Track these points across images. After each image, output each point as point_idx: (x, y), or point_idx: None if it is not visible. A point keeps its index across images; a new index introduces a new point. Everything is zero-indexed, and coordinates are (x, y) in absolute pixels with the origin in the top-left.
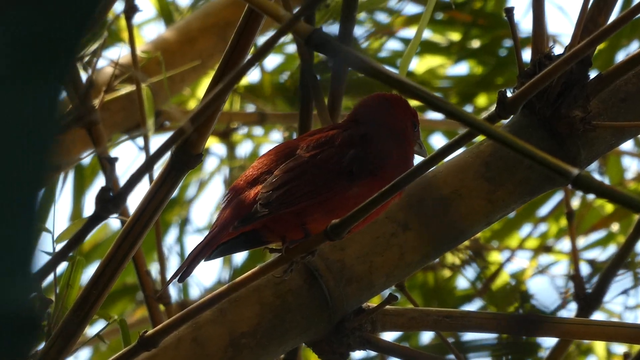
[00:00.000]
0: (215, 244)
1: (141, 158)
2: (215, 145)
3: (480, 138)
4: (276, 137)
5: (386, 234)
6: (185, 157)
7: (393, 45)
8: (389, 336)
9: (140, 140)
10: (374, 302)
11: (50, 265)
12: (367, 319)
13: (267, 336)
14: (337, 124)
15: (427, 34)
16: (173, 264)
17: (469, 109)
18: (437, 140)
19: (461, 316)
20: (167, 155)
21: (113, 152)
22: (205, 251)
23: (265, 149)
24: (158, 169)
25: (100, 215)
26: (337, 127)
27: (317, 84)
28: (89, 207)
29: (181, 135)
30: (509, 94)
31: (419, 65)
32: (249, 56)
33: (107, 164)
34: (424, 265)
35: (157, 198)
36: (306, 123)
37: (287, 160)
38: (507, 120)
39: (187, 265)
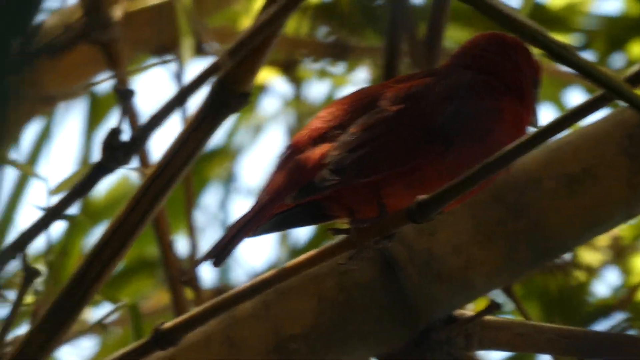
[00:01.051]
0: (264, 218)
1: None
2: (277, 82)
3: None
4: (361, 76)
5: (492, 221)
6: (227, 95)
7: None
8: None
9: (173, 67)
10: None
11: (39, 225)
12: (460, 330)
13: (324, 341)
14: (435, 69)
15: None
16: (211, 235)
17: (619, 59)
18: (575, 99)
19: (585, 337)
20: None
21: (136, 79)
22: (250, 226)
23: (344, 91)
24: (193, 108)
25: (105, 165)
26: (434, 74)
27: (409, 11)
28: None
29: (215, 70)
30: None
31: None
32: None
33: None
34: (540, 264)
35: (188, 146)
36: (392, 62)
37: (367, 114)
38: None
39: (226, 244)
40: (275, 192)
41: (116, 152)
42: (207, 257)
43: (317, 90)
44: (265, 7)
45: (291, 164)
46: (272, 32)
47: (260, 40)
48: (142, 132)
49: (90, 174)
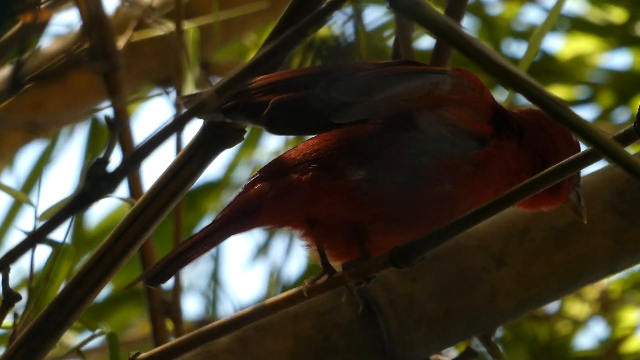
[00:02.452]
0: (217, 241)
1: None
2: None
3: None
4: None
5: (475, 268)
6: (222, 130)
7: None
8: None
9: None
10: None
11: (19, 249)
12: None
13: None
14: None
15: (583, 8)
16: (200, 268)
17: (624, 113)
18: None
19: None
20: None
21: (139, 110)
22: (199, 247)
23: None
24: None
25: (89, 194)
26: None
27: (412, 56)
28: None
29: (202, 108)
30: None
31: (566, 48)
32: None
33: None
34: (520, 314)
35: (178, 179)
36: None
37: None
38: None
39: (165, 264)
40: (229, 217)
41: (100, 182)
42: (144, 275)
43: None
44: (263, 46)
45: (252, 190)
46: (269, 69)
47: (251, 78)
48: (128, 164)
49: (73, 202)
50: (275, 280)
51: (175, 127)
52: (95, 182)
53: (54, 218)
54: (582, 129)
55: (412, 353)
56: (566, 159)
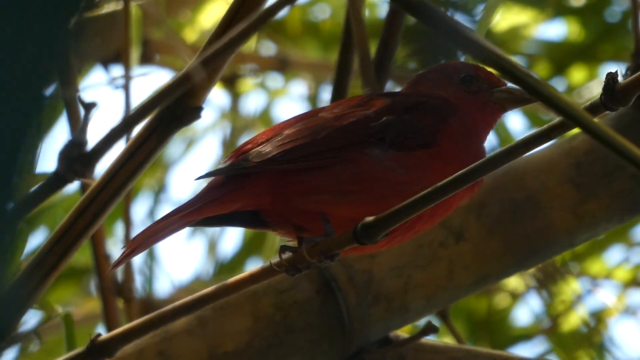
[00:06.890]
0: (187, 219)
1: (119, 99)
2: (216, 94)
3: (575, 131)
4: (299, 90)
5: (433, 243)
6: (180, 109)
7: None
8: None
9: (119, 73)
10: (405, 332)
11: None
12: (395, 353)
13: None
14: (389, 92)
15: None
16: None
17: (560, 83)
18: (513, 121)
19: None
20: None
21: (82, 87)
22: (172, 224)
23: (282, 104)
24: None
25: (63, 176)
26: (386, 95)
27: (363, 28)
28: (46, 161)
29: (186, 81)
30: (620, 78)
31: (502, 20)
32: None
33: (76, 108)
34: (478, 289)
35: (135, 159)
36: (343, 78)
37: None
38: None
39: (140, 242)
40: (205, 191)
41: (74, 164)
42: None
43: (254, 103)
44: (227, 21)
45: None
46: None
47: (231, 53)
48: (103, 144)
49: (47, 184)
50: (212, 256)
51: (155, 104)
52: (69, 163)
53: (27, 199)
54: (554, 101)
55: (371, 329)
56: (538, 130)
